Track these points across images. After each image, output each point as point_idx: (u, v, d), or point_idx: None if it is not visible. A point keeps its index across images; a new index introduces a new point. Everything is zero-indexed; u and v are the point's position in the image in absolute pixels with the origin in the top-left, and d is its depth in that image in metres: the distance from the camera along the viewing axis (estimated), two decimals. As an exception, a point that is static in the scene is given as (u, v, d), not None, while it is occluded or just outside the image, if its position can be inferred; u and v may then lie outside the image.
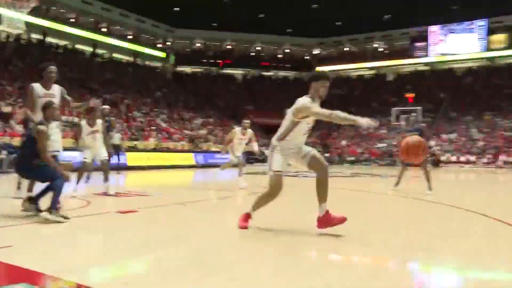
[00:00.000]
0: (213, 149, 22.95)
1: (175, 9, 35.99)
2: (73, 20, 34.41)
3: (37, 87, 5.17)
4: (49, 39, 32.44)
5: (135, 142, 19.69)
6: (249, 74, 43.32)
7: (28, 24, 26.20)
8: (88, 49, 35.65)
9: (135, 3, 34.18)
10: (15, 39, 28.88)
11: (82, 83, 26.95)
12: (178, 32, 41.88)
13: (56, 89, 5.31)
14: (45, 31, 31.99)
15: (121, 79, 31.90)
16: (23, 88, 19.02)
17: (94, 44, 35.78)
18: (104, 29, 36.72)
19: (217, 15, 36.64)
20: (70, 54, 32.01)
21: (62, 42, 33.42)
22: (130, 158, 16.09)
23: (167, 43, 42.08)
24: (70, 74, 25.68)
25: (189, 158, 19.63)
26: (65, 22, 33.47)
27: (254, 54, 43.49)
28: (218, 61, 42.66)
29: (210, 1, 33.49)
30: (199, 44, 43.38)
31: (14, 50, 26.65)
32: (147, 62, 40.44)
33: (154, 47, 40.89)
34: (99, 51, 36.26)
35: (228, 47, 43.82)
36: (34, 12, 25.76)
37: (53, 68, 5.22)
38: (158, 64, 41.46)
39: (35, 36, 31.57)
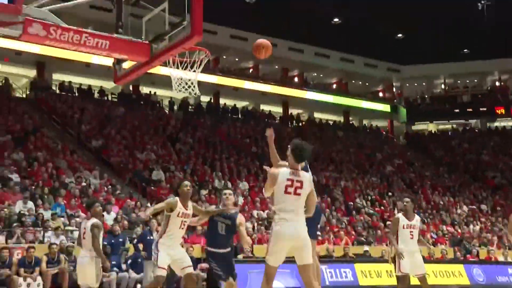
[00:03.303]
0: (501, 257, 20.63)
1: (399, 35, 35.97)
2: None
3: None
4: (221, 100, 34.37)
5: (366, 247, 18.33)
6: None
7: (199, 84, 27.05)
8: (277, 109, 36.28)
9: (332, 36, 33.65)
10: (180, 106, 30.92)
11: (268, 156, 24.37)
12: (408, 71, 40.84)
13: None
14: (218, 91, 33.68)
15: (329, 148, 31.04)
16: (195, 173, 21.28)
17: (285, 101, 36.27)
18: (294, 79, 38.16)
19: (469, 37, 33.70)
20: (250, 118, 32.87)
21: (238, 103, 34.78)
22: (361, 272, 15.76)
23: (393, 88, 42.02)
24: (255, 147, 26.68)
25: (458, 272, 17.89)
26: (239, 75, 35.24)
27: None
28: (482, 108, 39.86)
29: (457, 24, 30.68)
30: (443, 86, 42.18)
31: (182, 121, 28.30)
32: (365, 121, 40.59)
33: (372, 97, 41.14)
34: (293, 110, 36.75)
35: (496, 83, 41.48)
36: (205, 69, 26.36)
37: (187, 183, 7.50)
38: (382, 123, 41.33)
39: (203, 98, 32.71)
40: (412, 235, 8.81)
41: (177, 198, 7.22)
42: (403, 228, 8.88)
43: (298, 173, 5.68)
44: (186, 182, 7.36)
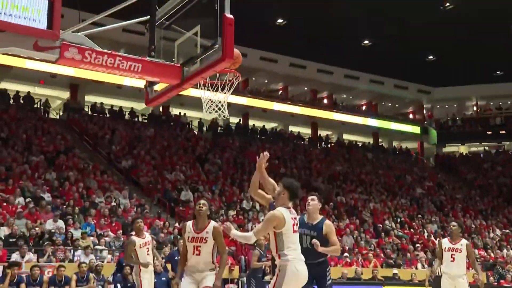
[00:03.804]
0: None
1: (430, 57, 35.50)
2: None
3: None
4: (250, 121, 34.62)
5: (395, 270, 18.11)
6: None
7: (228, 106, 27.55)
8: (306, 130, 36.42)
9: (361, 57, 33.77)
10: (209, 127, 31.46)
11: (299, 179, 24.16)
12: (439, 92, 40.44)
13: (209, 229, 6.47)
14: (247, 112, 33.93)
15: (358, 169, 30.95)
16: (224, 194, 21.61)
17: (314, 122, 36.33)
18: (323, 100, 38.54)
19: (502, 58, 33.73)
20: (279, 139, 32.98)
21: (267, 124, 35.04)
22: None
23: (424, 110, 41.72)
24: (284, 168, 26.49)
25: None
26: (269, 97, 35.47)
27: None
28: None
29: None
30: (475, 108, 41.78)
31: (211, 142, 28.58)
32: (394, 143, 40.36)
33: (402, 119, 41.16)
34: (322, 131, 36.83)
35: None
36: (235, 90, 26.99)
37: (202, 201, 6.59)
38: (412, 145, 40.84)
39: (232, 119, 32.92)
40: (453, 258, 8.95)
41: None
42: (445, 250, 9.12)
43: (292, 211, 5.67)
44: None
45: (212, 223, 6.46)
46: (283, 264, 5.41)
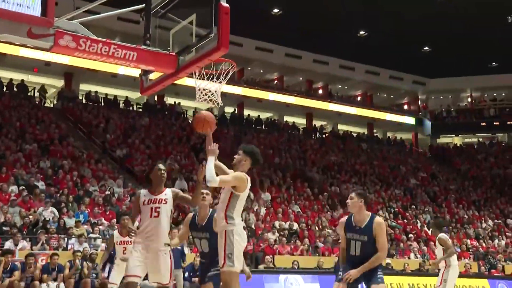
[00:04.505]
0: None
1: (425, 49, 35.55)
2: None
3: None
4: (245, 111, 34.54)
5: (388, 260, 18.06)
6: None
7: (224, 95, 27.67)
8: (301, 120, 36.15)
9: (357, 48, 33.77)
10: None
11: (294, 169, 26.11)
12: (434, 84, 40.33)
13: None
14: (242, 102, 33.92)
15: (352, 160, 30.89)
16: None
17: (309, 113, 36.42)
18: (318, 91, 38.33)
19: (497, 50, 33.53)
20: (274, 129, 32.91)
21: (262, 114, 34.79)
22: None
23: (419, 101, 41.86)
24: (278, 158, 26.59)
25: (482, 287, 17.15)
26: (264, 87, 35.33)
27: None
28: (510, 122, 39.63)
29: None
30: (470, 100, 41.78)
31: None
32: (389, 134, 40.34)
33: (397, 110, 41.16)
34: (317, 122, 36.84)
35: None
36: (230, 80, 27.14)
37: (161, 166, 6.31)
38: (407, 136, 40.96)
39: (227, 109, 33.18)
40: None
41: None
42: None
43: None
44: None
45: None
46: (230, 229, 5.37)
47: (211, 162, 5.37)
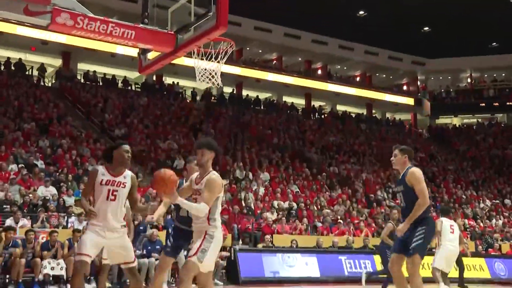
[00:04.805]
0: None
1: (425, 29, 35.63)
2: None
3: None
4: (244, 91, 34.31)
5: None
6: None
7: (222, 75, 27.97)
8: (299, 101, 36.42)
9: (356, 28, 33.47)
10: (202, 97, 31.36)
11: (293, 149, 26.11)
12: (433, 64, 40.17)
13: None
14: (240, 82, 33.74)
15: (351, 140, 30.86)
16: (217, 163, 20.36)
17: (308, 93, 36.23)
18: (317, 71, 38.08)
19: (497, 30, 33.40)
20: (273, 110, 32.90)
21: (261, 94, 34.71)
22: (380, 264, 14.66)
23: (418, 82, 41.66)
24: (276, 138, 26.67)
25: (479, 266, 17.88)
26: (263, 67, 35.13)
27: None
28: (509, 103, 39.46)
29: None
30: (469, 80, 41.56)
31: (204, 112, 28.27)
32: (388, 115, 40.62)
33: (396, 90, 41.04)
34: (315, 102, 36.80)
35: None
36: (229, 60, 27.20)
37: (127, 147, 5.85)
38: (406, 117, 41.00)
39: (226, 89, 33.02)
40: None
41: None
42: None
43: None
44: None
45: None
46: (212, 231, 5.29)
47: (183, 202, 5.17)
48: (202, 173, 5.46)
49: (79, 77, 28.28)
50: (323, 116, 35.09)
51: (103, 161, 5.97)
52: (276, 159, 23.51)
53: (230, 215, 16.39)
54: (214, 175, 5.32)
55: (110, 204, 5.49)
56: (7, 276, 11.00)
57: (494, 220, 23.51)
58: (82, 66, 29.52)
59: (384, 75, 40.81)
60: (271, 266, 13.93)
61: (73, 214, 13.81)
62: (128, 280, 5.76)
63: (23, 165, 15.92)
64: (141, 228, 12.90)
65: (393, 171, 27.18)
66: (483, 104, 39.50)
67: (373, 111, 39.48)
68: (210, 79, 6.91)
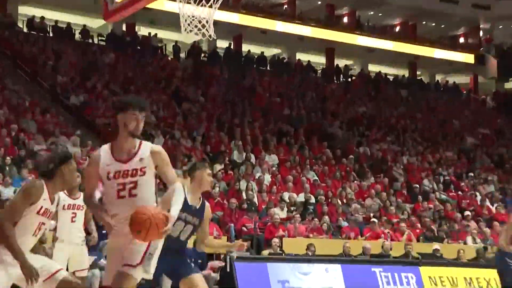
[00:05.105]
0: None
1: None
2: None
3: None
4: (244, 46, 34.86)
5: (436, 245, 18.58)
6: None
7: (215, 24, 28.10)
8: (319, 59, 37.36)
9: None
10: (189, 53, 31.90)
11: (309, 123, 26.72)
12: (501, 7, 39.77)
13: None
14: (240, 34, 34.45)
15: (387, 112, 31.53)
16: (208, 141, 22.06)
17: (330, 48, 36.77)
18: (343, 19, 38.93)
19: None
20: (283, 71, 33.56)
21: (267, 50, 35.71)
22: (428, 279, 16.11)
23: (480, 32, 42.13)
24: (288, 109, 27.29)
25: None
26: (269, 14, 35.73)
27: None
28: None
29: None
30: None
31: (191, 73, 28.86)
32: (438, 77, 41.36)
33: (449, 44, 41.29)
34: (340, 61, 37.34)
35: None
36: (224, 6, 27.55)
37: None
38: (463, 80, 41.88)
39: (220, 43, 33.47)
40: None
41: None
42: None
43: None
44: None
45: None
46: None
47: (175, 209, 5.27)
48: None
49: (20, 25, 28.44)
50: (350, 79, 35.39)
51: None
52: (288, 136, 23.63)
53: (225, 211, 16.52)
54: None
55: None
56: None
57: None
58: (24, 10, 29.61)
59: (433, 24, 41.22)
60: (280, 279, 13.97)
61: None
62: None
63: None
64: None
65: (445, 153, 27.47)
66: None
67: (418, 73, 40.12)
68: (199, 29, 7.01)
